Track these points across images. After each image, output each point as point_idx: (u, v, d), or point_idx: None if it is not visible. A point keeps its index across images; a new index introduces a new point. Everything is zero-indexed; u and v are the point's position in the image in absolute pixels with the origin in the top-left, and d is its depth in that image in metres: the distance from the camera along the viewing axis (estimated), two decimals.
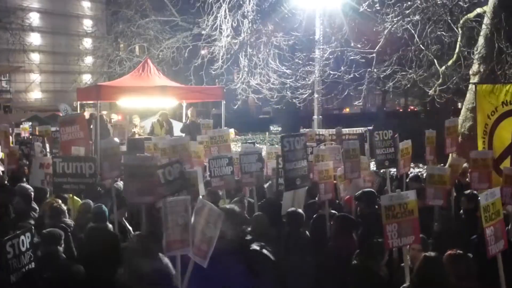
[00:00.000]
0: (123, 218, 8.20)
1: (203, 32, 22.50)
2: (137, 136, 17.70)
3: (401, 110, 51.87)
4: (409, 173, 11.23)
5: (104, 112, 22.07)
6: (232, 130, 18.04)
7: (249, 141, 22.58)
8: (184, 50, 24.91)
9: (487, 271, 5.74)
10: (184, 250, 5.16)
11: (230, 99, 22.89)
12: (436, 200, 8.17)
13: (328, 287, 6.39)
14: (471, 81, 15.97)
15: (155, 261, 5.38)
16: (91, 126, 15.88)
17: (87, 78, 36.20)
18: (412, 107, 53.18)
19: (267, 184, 10.45)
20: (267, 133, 19.15)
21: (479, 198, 6.53)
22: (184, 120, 18.55)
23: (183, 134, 15.55)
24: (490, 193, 5.70)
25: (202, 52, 24.03)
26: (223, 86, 21.56)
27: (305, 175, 8.60)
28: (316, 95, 21.15)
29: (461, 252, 5.72)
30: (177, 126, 18.31)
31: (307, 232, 7.44)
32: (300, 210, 7.36)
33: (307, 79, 21.22)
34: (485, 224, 5.53)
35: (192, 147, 11.12)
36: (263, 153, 11.07)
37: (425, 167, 12.73)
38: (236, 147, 19.24)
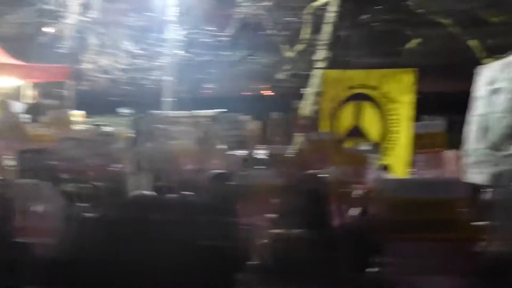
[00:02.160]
0: None
1: (48, 7, 21.19)
2: None
3: (251, 94, 53.29)
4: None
5: None
6: (79, 112, 17.19)
7: (98, 123, 21.72)
8: (28, 26, 23.26)
9: None
10: None
11: (78, 79, 21.78)
12: (280, 179, 8.28)
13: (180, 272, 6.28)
14: (316, 67, 16.73)
15: None
16: None
17: None
18: (265, 91, 54.74)
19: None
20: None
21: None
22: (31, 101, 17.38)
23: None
24: (328, 172, 6.03)
25: (48, 29, 22.64)
26: (70, 65, 20.47)
27: (155, 157, 8.36)
28: (167, 77, 20.85)
29: (307, 230, 5.95)
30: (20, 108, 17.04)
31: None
32: (148, 193, 7.14)
33: (158, 60, 20.86)
34: (327, 201, 5.86)
35: (32, 129, 10.40)
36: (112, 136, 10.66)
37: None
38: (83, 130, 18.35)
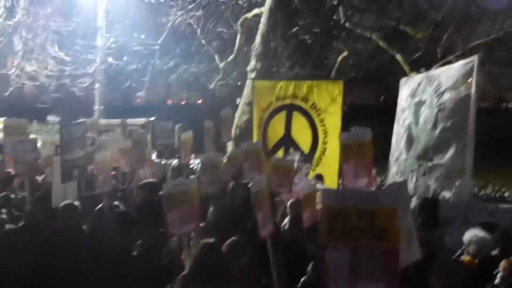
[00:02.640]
0: None
1: None
2: None
3: (183, 103, 53.03)
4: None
5: None
6: (2, 119, 16.55)
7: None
8: None
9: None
10: None
11: (2, 85, 21.03)
12: (210, 188, 8.33)
13: (108, 280, 6.15)
14: (248, 77, 16.84)
15: None
16: None
17: None
18: (197, 101, 54.44)
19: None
20: (34, 121, 17.83)
21: None
22: None
23: None
24: (259, 181, 6.06)
25: None
26: None
27: (83, 166, 8.17)
28: (97, 85, 20.44)
29: (234, 238, 6.00)
30: None
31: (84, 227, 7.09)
32: (76, 203, 6.94)
33: (88, 67, 20.41)
34: (256, 209, 5.85)
35: None
36: (39, 144, 10.35)
37: None
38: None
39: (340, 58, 19.18)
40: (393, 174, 10.26)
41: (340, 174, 7.95)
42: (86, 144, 9.02)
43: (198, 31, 19.32)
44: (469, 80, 8.66)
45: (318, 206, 8.27)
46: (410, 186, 9.14)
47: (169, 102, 41.57)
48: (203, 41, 19.72)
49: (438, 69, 9.87)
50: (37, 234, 6.51)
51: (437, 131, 9.14)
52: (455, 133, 8.86)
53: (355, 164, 7.64)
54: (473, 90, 8.57)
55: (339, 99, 12.10)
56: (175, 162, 11.46)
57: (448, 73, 9.32)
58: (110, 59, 20.72)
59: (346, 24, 17.54)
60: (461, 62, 9.42)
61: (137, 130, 10.51)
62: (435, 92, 9.35)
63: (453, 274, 5.07)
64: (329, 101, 12.18)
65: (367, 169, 7.70)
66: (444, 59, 14.70)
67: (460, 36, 15.34)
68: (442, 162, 9.04)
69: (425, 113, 9.58)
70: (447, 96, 9.04)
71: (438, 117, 9.16)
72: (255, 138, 12.80)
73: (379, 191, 5.06)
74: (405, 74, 15.01)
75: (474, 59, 8.78)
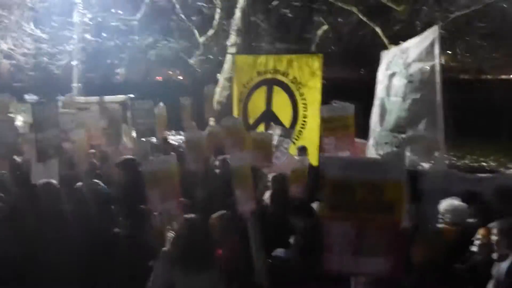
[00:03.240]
0: None
1: None
2: None
3: (165, 79, 52.62)
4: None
5: None
6: None
7: None
8: None
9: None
10: None
11: None
12: (196, 165, 8.33)
13: (90, 260, 6.11)
14: (228, 52, 16.71)
15: None
16: None
17: None
18: (179, 77, 54.00)
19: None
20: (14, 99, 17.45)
21: None
22: None
23: None
24: (239, 157, 6.14)
25: None
26: None
27: (58, 144, 8.05)
28: (75, 62, 20.11)
29: (225, 212, 6.02)
30: None
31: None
32: (54, 182, 6.86)
33: (65, 44, 20.06)
34: (236, 186, 5.93)
35: None
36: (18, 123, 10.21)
37: None
38: None
39: (320, 32, 19.09)
40: (370, 146, 10.32)
41: (321, 147, 7.93)
42: (64, 121, 8.94)
43: (177, 6, 19.06)
44: (433, 51, 8.66)
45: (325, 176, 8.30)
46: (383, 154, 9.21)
47: (150, 78, 41.11)
48: (182, 16, 19.48)
49: (409, 41, 9.83)
50: (18, 216, 6.45)
51: (408, 103, 9.18)
52: (424, 105, 8.89)
53: (336, 138, 7.65)
54: (437, 61, 8.58)
55: (319, 73, 12.07)
56: (154, 139, 11.40)
57: (415, 44, 9.32)
58: (88, 36, 20.34)
59: None
60: (424, 33, 9.37)
61: (113, 108, 10.36)
62: (404, 64, 9.36)
63: (433, 243, 5.13)
64: (309, 75, 12.15)
65: (349, 143, 7.72)
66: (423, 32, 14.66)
67: (440, 8, 15.32)
68: (416, 134, 9.08)
69: (396, 85, 9.61)
70: (414, 67, 9.07)
71: (408, 89, 9.19)
72: (235, 113, 12.75)
73: (386, 162, 4.89)
74: (386, 48, 15.00)
75: (435, 29, 8.76)
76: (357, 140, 9.82)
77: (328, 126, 7.77)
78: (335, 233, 3.96)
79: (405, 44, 9.97)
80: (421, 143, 9.06)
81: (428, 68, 8.76)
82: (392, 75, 9.80)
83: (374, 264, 3.94)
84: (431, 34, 8.81)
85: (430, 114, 8.77)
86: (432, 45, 8.69)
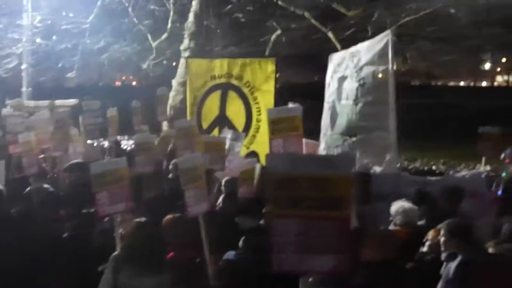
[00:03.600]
0: None
1: None
2: None
3: (118, 84, 52.01)
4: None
5: None
6: None
7: None
8: None
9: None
10: None
11: None
12: (145, 168, 8.27)
13: (36, 264, 5.97)
14: (182, 56, 16.63)
15: None
16: None
17: None
18: (133, 83, 53.59)
19: None
20: None
21: None
22: None
23: None
24: (190, 158, 6.11)
25: None
26: None
27: (2, 147, 7.85)
28: (24, 65, 19.63)
29: (177, 215, 6.00)
30: None
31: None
32: (0, 186, 6.70)
33: (14, 47, 19.57)
34: (184, 186, 5.85)
35: None
36: None
37: None
38: None
39: (274, 37, 19.20)
40: (321, 150, 10.39)
41: (270, 149, 7.94)
42: (13, 123, 8.78)
43: (130, 9, 18.86)
44: (385, 55, 8.84)
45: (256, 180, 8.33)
46: None
47: (102, 82, 40.58)
48: (135, 20, 19.29)
49: (359, 44, 9.98)
50: None
51: (359, 106, 9.30)
52: (376, 108, 9.04)
53: (284, 140, 7.67)
54: (390, 65, 8.76)
55: (272, 77, 12.14)
56: (105, 142, 11.28)
57: (367, 48, 9.47)
58: (38, 39, 19.89)
59: (279, 2, 17.53)
60: (377, 37, 9.56)
61: (60, 111, 10.19)
62: (355, 67, 9.50)
63: (383, 244, 5.20)
64: (262, 79, 12.22)
65: (297, 144, 7.75)
66: (375, 37, 14.93)
67: (390, 13, 15.62)
68: (367, 137, 9.21)
69: (347, 88, 9.72)
70: (366, 71, 9.21)
71: (359, 92, 9.32)
72: (189, 118, 12.69)
73: (334, 157, 4.90)
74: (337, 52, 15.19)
75: (388, 33, 8.95)
76: (308, 141, 9.89)
77: (275, 128, 7.77)
78: (281, 231, 3.83)
79: (355, 48, 10.11)
80: (372, 146, 9.19)
81: (381, 71, 8.92)
82: (342, 78, 9.91)
83: (322, 262, 3.91)
84: (384, 37, 8.97)
85: (382, 117, 8.91)
86: (384, 48, 8.85)
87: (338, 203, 3.84)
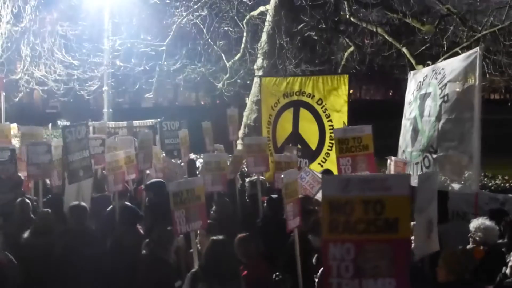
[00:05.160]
0: None
1: None
2: None
3: (191, 103, 53.29)
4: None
5: None
6: (14, 125, 16.67)
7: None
8: None
9: (272, 249, 6.43)
10: None
11: (11, 91, 21.19)
12: (214, 187, 8.41)
13: (111, 280, 6.21)
14: (256, 75, 16.86)
15: None
16: None
17: None
18: (204, 102, 54.76)
19: None
20: (50, 124, 17.81)
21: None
22: None
23: None
24: (289, 172, 6.34)
25: None
26: (2, 76, 19.83)
27: (88, 166, 8.21)
28: (105, 88, 20.51)
29: (247, 234, 6.08)
30: None
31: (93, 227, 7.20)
32: (83, 204, 7.01)
33: (96, 70, 20.46)
34: (286, 199, 6.05)
35: None
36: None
37: None
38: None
39: (346, 54, 19.12)
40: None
41: (338, 168, 7.98)
42: (94, 145, 9.16)
43: (204, 30, 19.33)
44: (472, 72, 8.65)
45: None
46: (416, 178, 9.15)
47: (178, 102, 41.48)
48: (209, 41, 19.73)
49: (443, 61, 9.83)
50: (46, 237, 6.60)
51: (441, 122, 9.13)
52: (459, 125, 8.83)
53: (352, 159, 7.70)
54: (477, 81, 8.56)
55: (345, 94, 12.09)
56: (182, 161, 11.57)
57: (452, 65, 9.33)
58: (117, 62, 20.70)
59: (351, 19, 17.46)
60: (464, 54, 9.44)
61: (143, 131, 10.56)
62: (439, 84, 9.36)
63: (460, 262, 5.07)
64: (334, 96, 12.19)
65: (366, 163, 7.73)
66: (450, 52, 14.60)
67: (465, 27, 15.22)
68: (447, 154, 9.02)
69: (430, 105, 9.59)
70: (450, 88, 9.03)
71: (442, 109, 9.16)
72: (264, 135, 12.81)
73: (387, 175, 4.78)
74: (412, 68, 14.95)
75: (476, 50, 8.77)
76: (397, 159, 9.82)
77: (342, 147, 7.83)
78: (337, 255, 3.78)
79: (438, 65, 10.01)
80: (453, 163, 8.99)
81: (466, 88, 8.76)
82: (426, 95, 9.80)
83: (380, 286, 3.81)
84: (472, 54, 8.82)
85: (464, 134, 8.73)
86: (472, 65, 8.69)
87: (394, 225, 3.75)
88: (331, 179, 4.26)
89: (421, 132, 9.76)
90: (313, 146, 12.21)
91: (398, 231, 3.75)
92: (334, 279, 3.80)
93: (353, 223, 3.76)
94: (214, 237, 5.61)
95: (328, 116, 12.20)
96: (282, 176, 6.31)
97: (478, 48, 8.96)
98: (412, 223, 6.06)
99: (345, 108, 11.97)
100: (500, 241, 6.58)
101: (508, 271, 5.67)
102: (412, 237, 6.08)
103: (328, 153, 12.04)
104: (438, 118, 9.24)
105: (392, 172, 7.68)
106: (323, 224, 3.89)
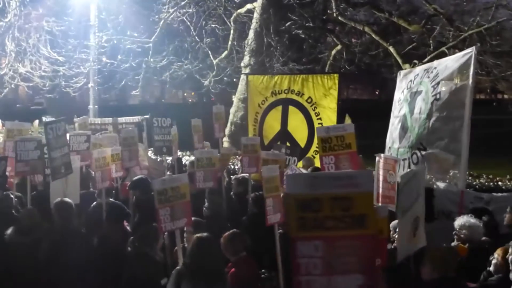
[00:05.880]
0: None
1: None
2: None
3: (178, 100, 53.20)
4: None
5: None
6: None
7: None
8: None
9: (258, 246, 6.33)
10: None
11: None
12: (206, 183, 8.39)
13: (98, 277, 6.14)
14: (242, 73, 16.83)
15: None
16: None
17: None
18: (191, 99, 54.68)
19: None
20: (36, 121, 17.56)
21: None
22: None
23: None
24: (268, 168, 6.40)
25: None
26: None
27: (68, 162, 8.09)
28: (91, 84, 20.34)
29: (235, 230, 6.09)
30: None
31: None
32: (68, 200, 6.92)
33: (82, 67, 20.29)
34: (266, 194, 6.02)
35: None
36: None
37: None
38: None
39: (333, 52, 19.15)
40: None
41: (321, 167, 8.05)
42: (79, 141, 9.09)
43: (191, 28, 19.28)
44: (466, 71, 8.71)
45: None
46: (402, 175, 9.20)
47: (164, 99, 41.34)
48: (196, 38, 19.68)
49: (436, 60, 9.88)
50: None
51: (432, 120, 9.18)
52: (449, 123, 8.89)
53: (336, 157, 7.76)
54: (470, 81, 8.62)
55: (335, 93, 12.11)
56: (169, 158, 11.50)
57: (445, 64, 9.39)
58: (104, 58, 20.55)
59: (339, 18, 17.48)
60: (458, 54, 9.48)
61: (127, 128, 10.44)
62: (432, 82, 9.40)
63: (445, 260, 5.08)
64: (324, 94, 12.19)
65: (350, 162, 7.77)
66: (437, 51, 14.69)
67: (452, 27, 15.32)
68: (436, 151, 9.07)
69: (420, 103, 9.63)
70: (443, 86, 9.08)
71: (434, 107, 9.21)
72: (250, 134, 12.79)
73: (354, 172, 4.82)
74: (399, 67, 15.01)
75: (472, 50, 8.82)
76: (387, 156, 9.83)
77: (325, 145, 7.91)
78: (306, 253, 3.78)
79: (431, 63, 10.05)
80: (439, 162, 9.05)
81: (459, 87, 8.82)
82: (416, 93, 9.84)
83: (348, 282, 3.80)
84: (467, 54, 8.87)
85: (454, 132, 8.80)
86: (466, 65, 8.75)
87: (362, 221, 3.76)
88: (297, 177, 4.33)
89: (410, 129, 9.81)
90: (302, 144, 12.20)
91: (366, 227, 3.77)
92: (303, 277, 3.80)
93: (321, 220, 3.77)
94: (199, 234, 5.57)
95: (317, 115, 12.20)
96: (261, 170, 6.29)
97: (473, 48, 9.03)
98: (393, 222, 6.13)
99: (334, 106, 11.99)
100: (484, 238, 6.61)
101: (492, 268, 5.70)
102: (395, 236, 6.14)
103: (317, 151, 11.99)
104: (429, 116, 9.29)
105: (381, 169, 7.69)
106: (291, 222, 3.88)
